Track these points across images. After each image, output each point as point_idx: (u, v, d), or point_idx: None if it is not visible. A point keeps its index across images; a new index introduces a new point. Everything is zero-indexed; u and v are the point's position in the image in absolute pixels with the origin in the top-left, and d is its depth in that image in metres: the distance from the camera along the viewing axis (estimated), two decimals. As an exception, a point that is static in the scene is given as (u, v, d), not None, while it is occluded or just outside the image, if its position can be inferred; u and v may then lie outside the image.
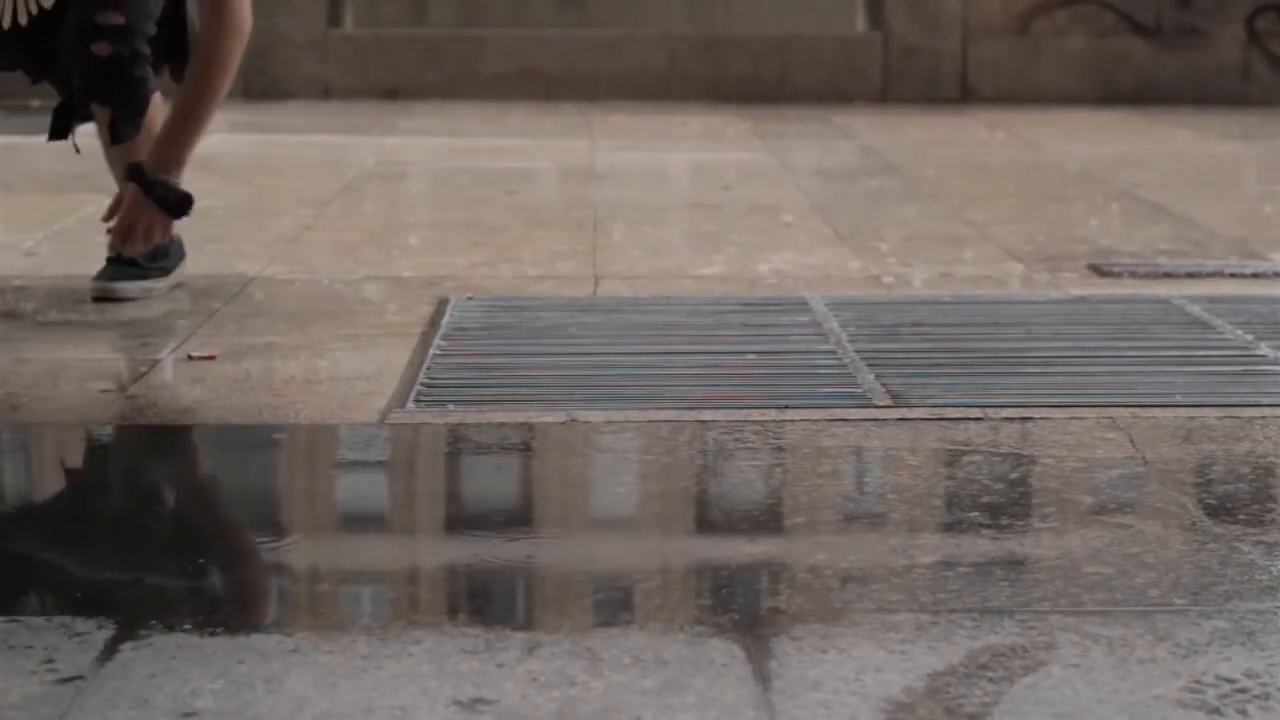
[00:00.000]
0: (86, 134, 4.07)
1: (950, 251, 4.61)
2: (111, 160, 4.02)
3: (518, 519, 2.52)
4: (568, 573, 2.22)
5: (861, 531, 2.40)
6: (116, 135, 3.91)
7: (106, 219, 3.84)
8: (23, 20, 3.82)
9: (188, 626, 2.01)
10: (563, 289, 4.07)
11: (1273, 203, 5.70)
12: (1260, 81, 9.52)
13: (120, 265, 3.93)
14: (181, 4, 3.92)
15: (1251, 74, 9.52)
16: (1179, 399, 3.05)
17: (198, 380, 3.19)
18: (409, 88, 9.00)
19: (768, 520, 2.47)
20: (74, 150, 4.02)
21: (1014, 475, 2.64)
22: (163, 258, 3.97)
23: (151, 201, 3.75)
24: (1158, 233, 4.96)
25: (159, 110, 3.92)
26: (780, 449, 2.77)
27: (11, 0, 3.84)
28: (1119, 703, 1.80)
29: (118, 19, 3.78)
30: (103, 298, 3.88)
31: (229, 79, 3.76)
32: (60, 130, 3.98)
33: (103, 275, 3.94)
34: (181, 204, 3.77)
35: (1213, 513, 2.44)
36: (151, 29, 3.85)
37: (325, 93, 9.16)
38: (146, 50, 3.84)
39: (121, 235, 3.78)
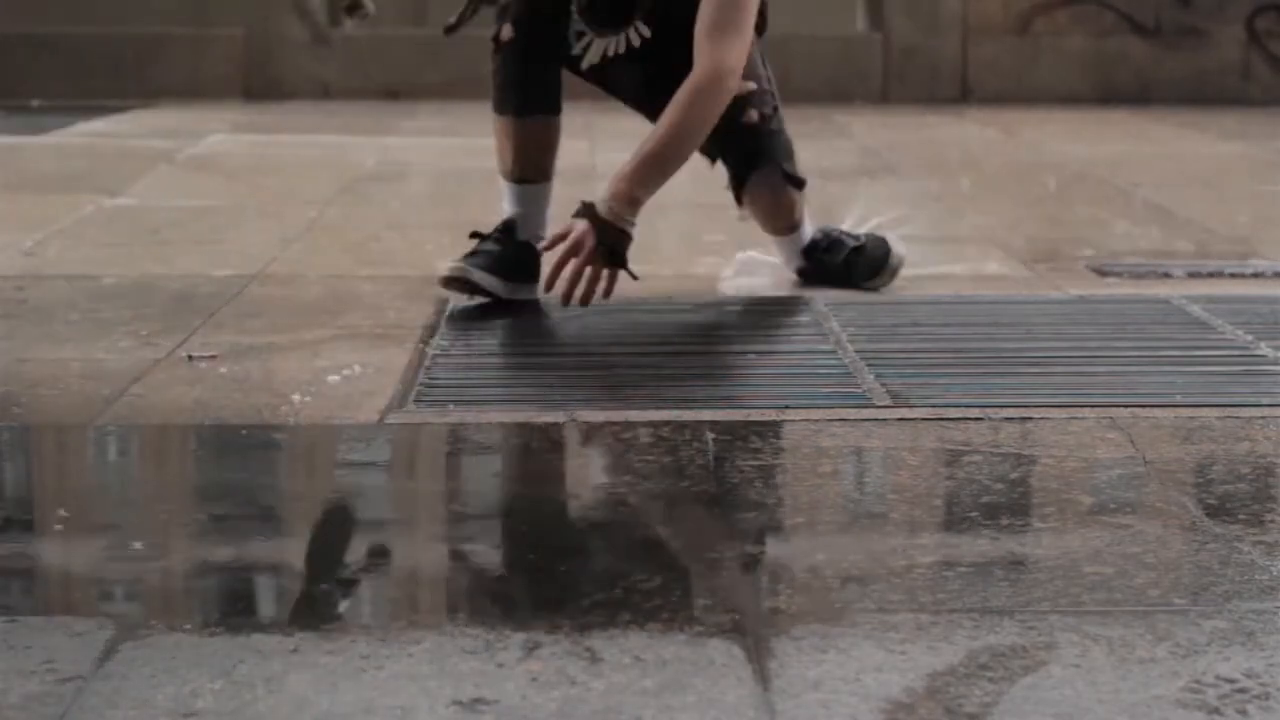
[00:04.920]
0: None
1: (950, 251, 4.61)
2: (776, 208, 4.04)
3: (518, 519, 2.52)
4: (568, 573, 2.22)
5: (861, 531, 2.40)
6: (796, 181, 3.99)
7: (546, 249, 3.70)
8: (607, 53, 3.83)
9: (188, 626, 2.01)
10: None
11: (1272, 203, 5.70)
12: (1260, 81, 9.51)
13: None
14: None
15: (1251, 74, 9.52)
16: (1179, 399, 3.05)
17: (198, 380, 3.19)
18: (409, 88, 9.00)
19: (768, 520, 2.47)
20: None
21: (1014, 475, 2.64)
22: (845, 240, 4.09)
23: (597, 244, 3.55)
24: (1158, 233, 4.96)
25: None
26: (780, 449, 2.77)
27: (609, 41, 3.84)
28: (1119, 703, 1.80)
29: (750, 85, 3.80)
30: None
31: (704, 132, 3.63)
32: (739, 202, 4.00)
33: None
34: (620, 256, 3.58)
35: (1213, 513, 2.44)
36: (772, 87, 3.95)
37: (325, 93, 9.16)
38: (778, 105, 3.96)
39: (557, 269, 3.58)
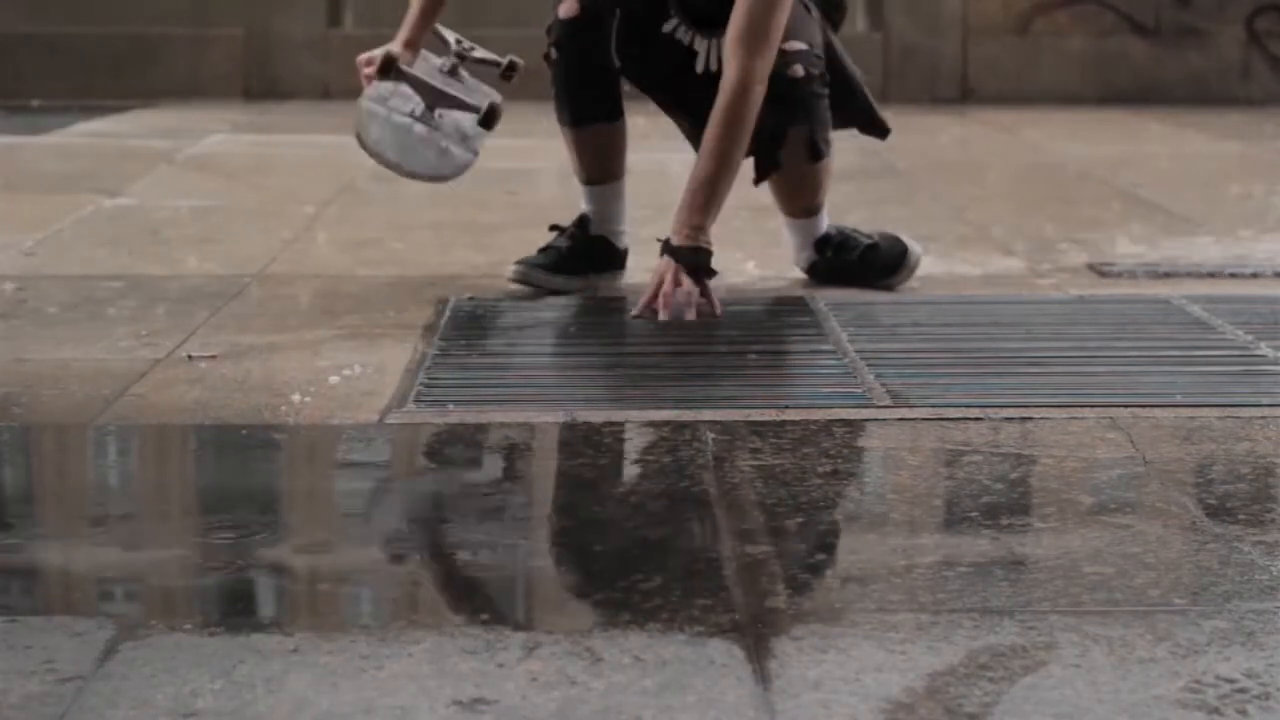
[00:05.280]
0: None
1: (950, 251, 4.60)
2: (788, 185, 4.05)
3: (518, 519, 2.52)
4: (568, 573, 2.22)
5: (861, 531, 2.40)
6: (815, 153, 3.95)
7: (638, 316, 3.72)
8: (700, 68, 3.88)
9: (188, 626, 2.01)
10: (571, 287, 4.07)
11: (1273, 202, 5.70)
12: (1260, 81, 9.51)
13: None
14: (834, 50, 4.01)
15: (1251, 74, 9.52)
16: (1179, 399, 3.05)
17: (198, 380, 3.19)
18: (409, 88, 8.99)
19: (768, 520, 2.47)
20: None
21: (1014, 475, 2.64)
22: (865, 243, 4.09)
23: (685, 272, 3.66)
24: (1158, 233, 4.96)
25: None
26: (780, 449, 2.77)
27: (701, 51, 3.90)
28: (1119, 703, 1.80)
29: (798, 44, 3.85)
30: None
31: (747, 140, 3.71)
32: (773, 165, 3.95)
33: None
34: (707, 270, 3.69)
35: (1213, 513, 2.44)
36: (823, 54, 3.94)
37: (325, 93, 9.16)
38: (825, 72, 3.93)
39: (648, 301, 3.68)
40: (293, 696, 1.81)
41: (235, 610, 2.12)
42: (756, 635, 1.98)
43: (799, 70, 3.85)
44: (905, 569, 2.21)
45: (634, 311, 3.71)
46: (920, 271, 4.16)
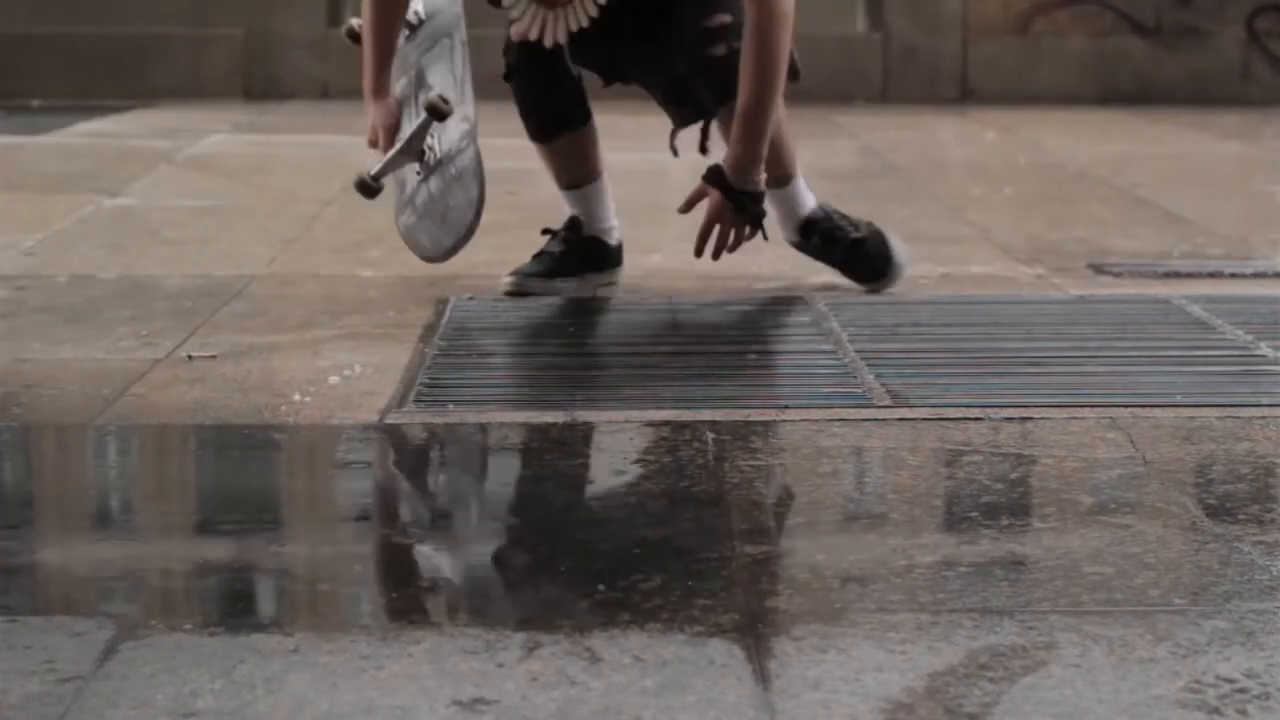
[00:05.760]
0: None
1: (950, 251, 4.61)
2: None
3: (517, 519, 2.52)
4: (568, 572, 2.22)
5: (861, 531, 2.40)
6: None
7: (684, 210, 3.81)
8: (562, 39, 3.73)
9: (188, 626, 2.01)
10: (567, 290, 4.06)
11: (1273, 203, 5.70)
12: (1260, 81, 9.51)
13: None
14: None
15: (1251, 74, 9.52)
16: (1179, 399, 3.05)
17: (198, 380, 3.19)
18: (409, 88, 8.99)
19: (768, 520, 2.47)
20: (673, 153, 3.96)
21: (1014, 475, 2.64)
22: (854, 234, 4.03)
23: (735, 209, 3.71)
24: (1158, 233, 4.96)
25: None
26: (780, 449, 2.77)
27: (554, 18, 3.75)
28: (1119, 703, 1.80)
29: (725, 18, 3.77)
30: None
31: (783, 67, 3.70)
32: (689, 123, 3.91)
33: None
34: (760, 213, 3.73)
35: (1213, 513, 2.44)
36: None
37: (325, 93, 9.16)
38: None
39: (703, 238, 3.75)
40: (293, 696, 1.81)
41: (235, 610, 2.12)
42: (756, 635, 1.98)
43: (721, 49, 3.76)
44: (905, 569, 2.21)
45: (695, 246, 3.75)
46: (921, 271, 4.16)
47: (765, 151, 3.73)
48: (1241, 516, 2.43)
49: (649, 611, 2.06)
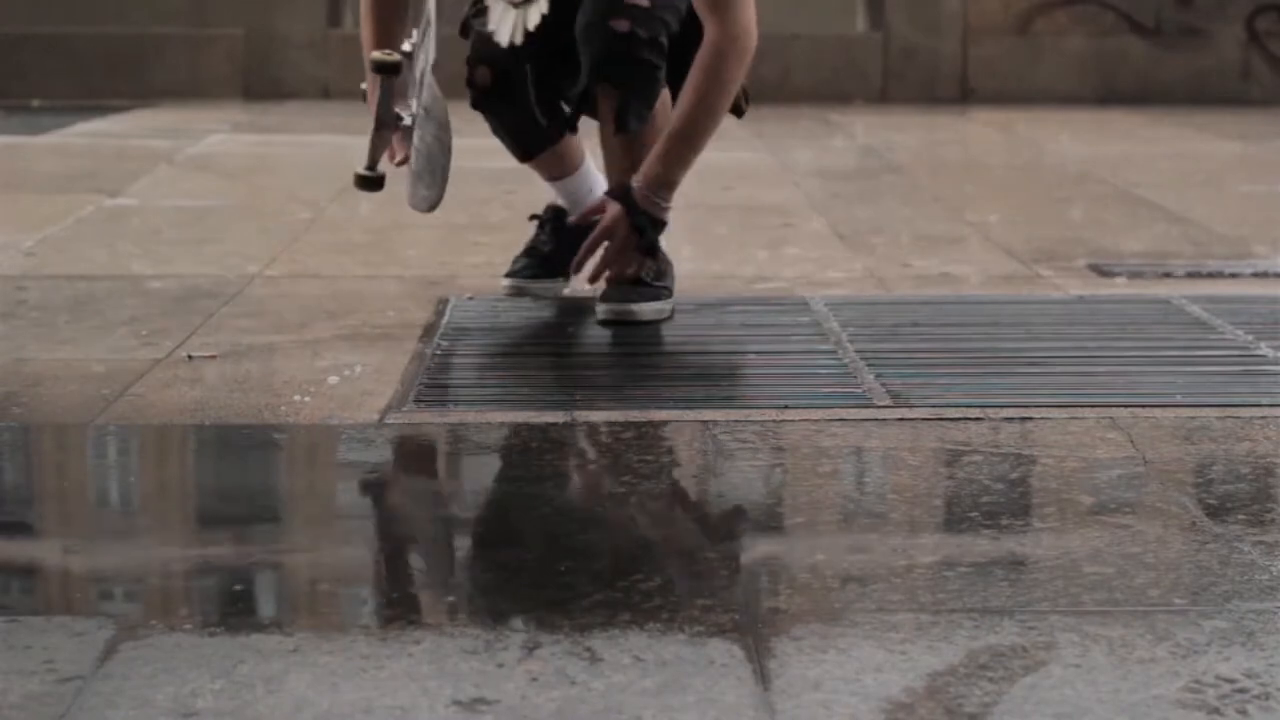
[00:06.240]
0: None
1: (950, 251, 4.61)
2: (608, 151, 3.74)
3: (517, 519, 2.52)
4: (568, 572, 2.22)
5: (861, 531, 2.40)
6: (621, 123, 3.63)
7: (577, 222, 3.73)
8: (518, 40, 3.64)
9: (188, 626, 2.01)
10: (563, 289, 4.07)
11: (1273, 203, 5.70)
12: (1260, 81, 9.51)
13: (632, 286, 3.67)
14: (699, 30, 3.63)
15: (1251, 74, 9.52)
16: (1179, 399, 3.05)
17: (198, 380, 3.19)
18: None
19: (768, 520, 2.47)
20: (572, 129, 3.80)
21: (1014, 475, 2.64)
22: (667, 276, 3.76)
23: (632, 228, 3.55)
24: (1158, 233, 4.96)
25: (666, 110, 3.66)
26: (780, 449, 2.77)
27: (514, 17, 3.67)
28: (1119, 703, 1.80)
29: (642, 0, 3.59)
30: (617, 320, 3.64)
31: (729, 99, 3.55)
32: (570, 120, 3.77)
33: (614, 297, 3.67)
34: (654, 241, 3.58)
35: (1213, 513, 2.44)
36: (674, 26, 3.62)
37: (325, 93, 9.16)
38: (664, 43, 3.60)
39: (588, 252, 3.61)
40: (293, 696, 1.81)
41: (235, 610, 2.12)
42: (756, 635, 1.98)
43: (623, 25, 3.57)
44: (905, 569, 2.21)
45: (576, 259, 3.64)
46: (921, 271, 4.16)
47: (681, 180, 3.58)
48: (1241, 516, 2.43)
49: (649, 611, 2.05)
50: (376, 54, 3.61)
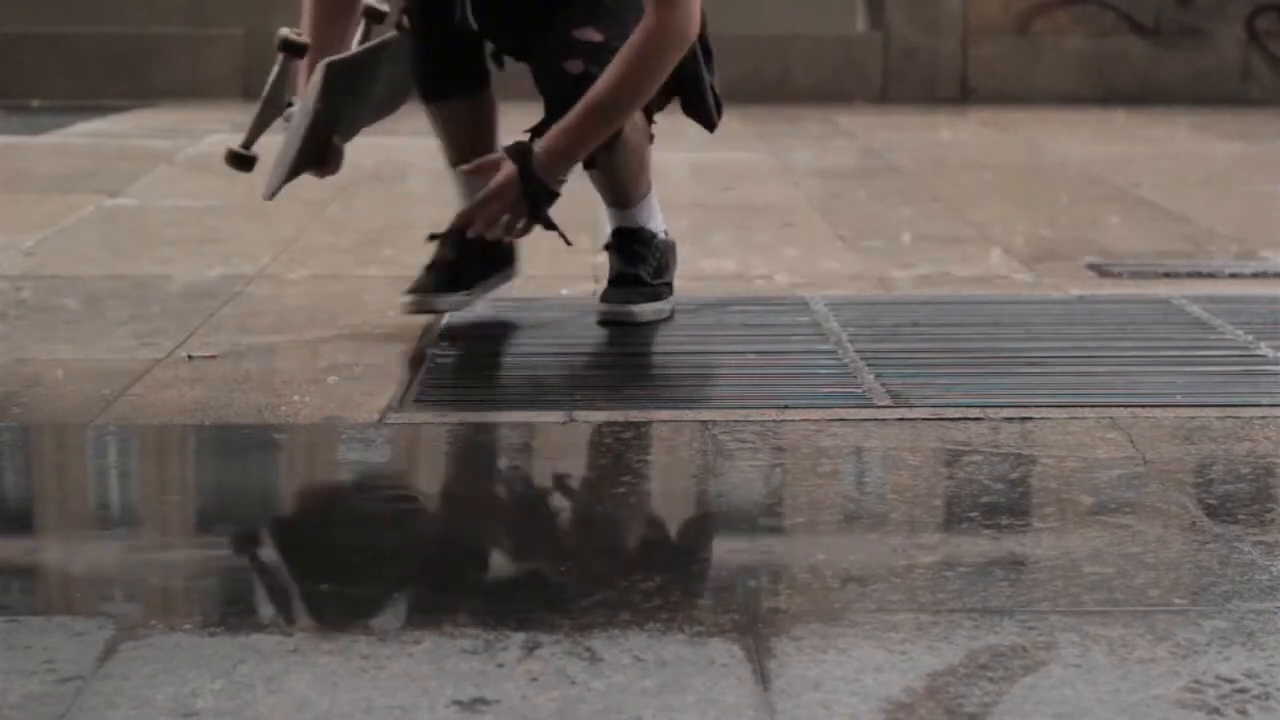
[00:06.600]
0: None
1: (950, 251, 4.61)
2: (597, 182, 3.69)
3: (517, 519, 2.52)
4: (567, 572, 2.22)
5: (861, 531, 2.40)
6: (589, 160, 3.53)
7: (469, 173, 3.49)
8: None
9: (188, 626, 2.01)
10: (563, 289, 4.07)
11: (1273, 203, 5.70)
12: (1260, 81, 9.52)
13: (630, 286, 3.65)
14: None
15: (1251, 74, 9.52)
16: (1179, 399, 3.05)
17: (198, 380, 3.19)
18: (409, 88, 8.99)
19: (768, 520, 2.47)
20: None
21: (1014, 475, 2.64)
22: (667, 273, 3.73)
23: (524, 194, 3.38)
24: (1157, 232, 4.96)
25: (635, 126, 3.59)
26: (780, 449, 2.77)
27: None
28: (1119, 703, 1.80)
29: (595, 36, 3.45)
30: (617, 321, 3.61)
31: (654, 85, 3.40)
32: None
33: (614, 297, 3.64)
34: (546, 210, 3.41)
35: (1213, 513, 2.44)
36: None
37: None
38: None
39: (476, 210, 3.43)
40: (293, 696, 1.81)
41: (235, 610, 2.12)
42: (756, 635, 1.98)
43: (576, 66, 3.44)
44: (905, 569, 2.21)
45: (458, 214, 3.48)
46: (921, 271, 4.16)
47: (583, 155, 3.44)
48: (1241, 516, 2.43)
49: (649, 611, 2.06)
50: (286, 31, 3.49)
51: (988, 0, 9.50)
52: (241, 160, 3.58)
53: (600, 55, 3.43)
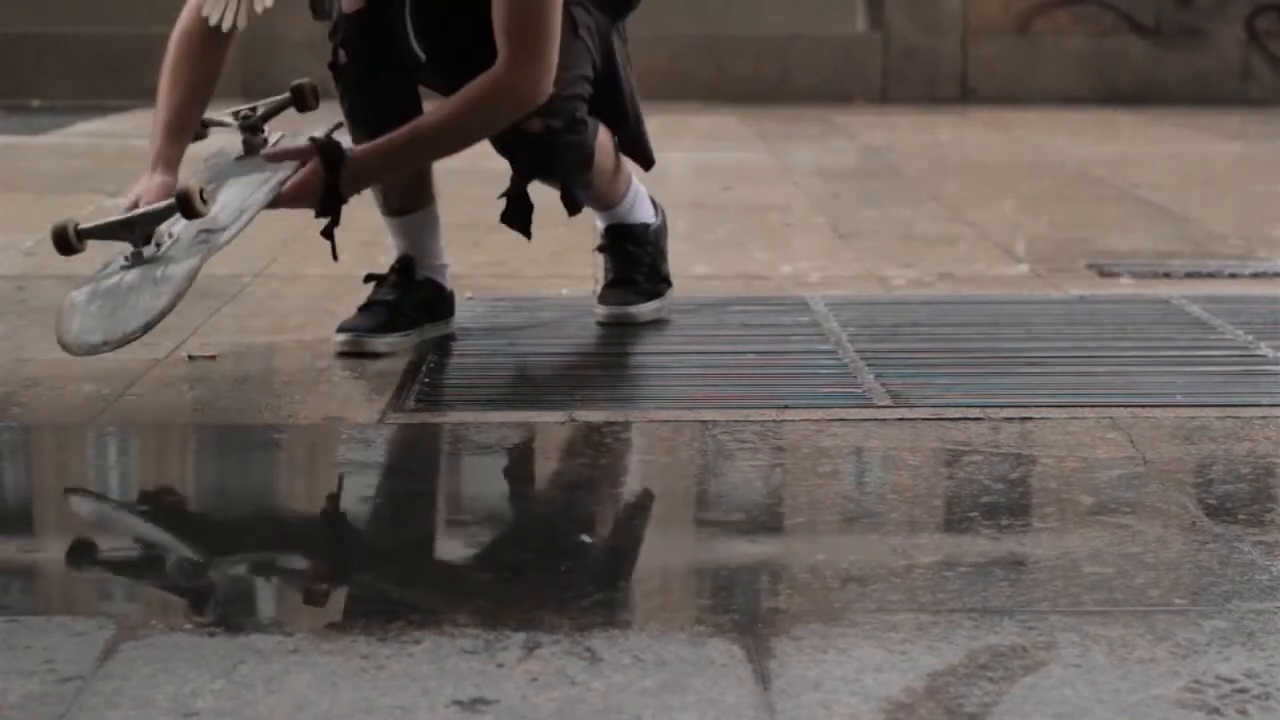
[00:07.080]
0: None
1: (950, 251, 4.61)
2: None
3: (517, 519, 2.52)
4: (568, 572, 2.22)
5: (861, 531, 2.40)
6: (572, 206, 3.48)
7: (271, 159, 3.43)
8: (242, 23, 3.44)
9: (188, 626, 2.01)
10: (563, 289, 4.07)
11: (1273, 203, 5.70)
12: (1260, 81, 9.52)
13: (629, 286, 3.67)
14: (614, 63, 3.52)
15: (1251, 74, 9.53)
16: (1179, 399, 3.05)
17: (198, 380, 3.19)
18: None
19: (768, 520, 2.47)
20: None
21: (1014, 475, 2.64)
22: (662, 265, 3.76)
23: (321, 188, 3.31)
24: (1158, 233, 4.96)
25: (605, 150, 3.55)
26: (780, 449, 2.77)
27: (234, 2, 3.48)
28: (1119, 703, 1.80)
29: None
30: (616, 321, 3.64)
31: (482, 137, 3.36)
32: (524, 223, 3.52)
33: (613, 298, 3.67)
34: (332, 212, 3.35)
35: (1213, 513, 2.44)
36: (585, 88, 3.43)
37: (325, 93, 9.15)
38: (582, 113, 3.42)
39: (280, 204, 3.37)
40: (293, 696, 1.81)
41: (235, 610, 2.12)
42: (756, 635, 1.98)
43: (535, 125, 3.34)
44: (905, 569, 2.21)
45: (270, 202, 3.35)
46: (921, 271, 4.16)
47: (387, 180, 3.43)
48: (1241, 516, 2.43)
49: (649, 611, 2.05)
50: (193, 187, 3.32)
51: (988, 0, 9.50)
52: (67, 244, 3.28)
53: (556, 107, 3.34)
